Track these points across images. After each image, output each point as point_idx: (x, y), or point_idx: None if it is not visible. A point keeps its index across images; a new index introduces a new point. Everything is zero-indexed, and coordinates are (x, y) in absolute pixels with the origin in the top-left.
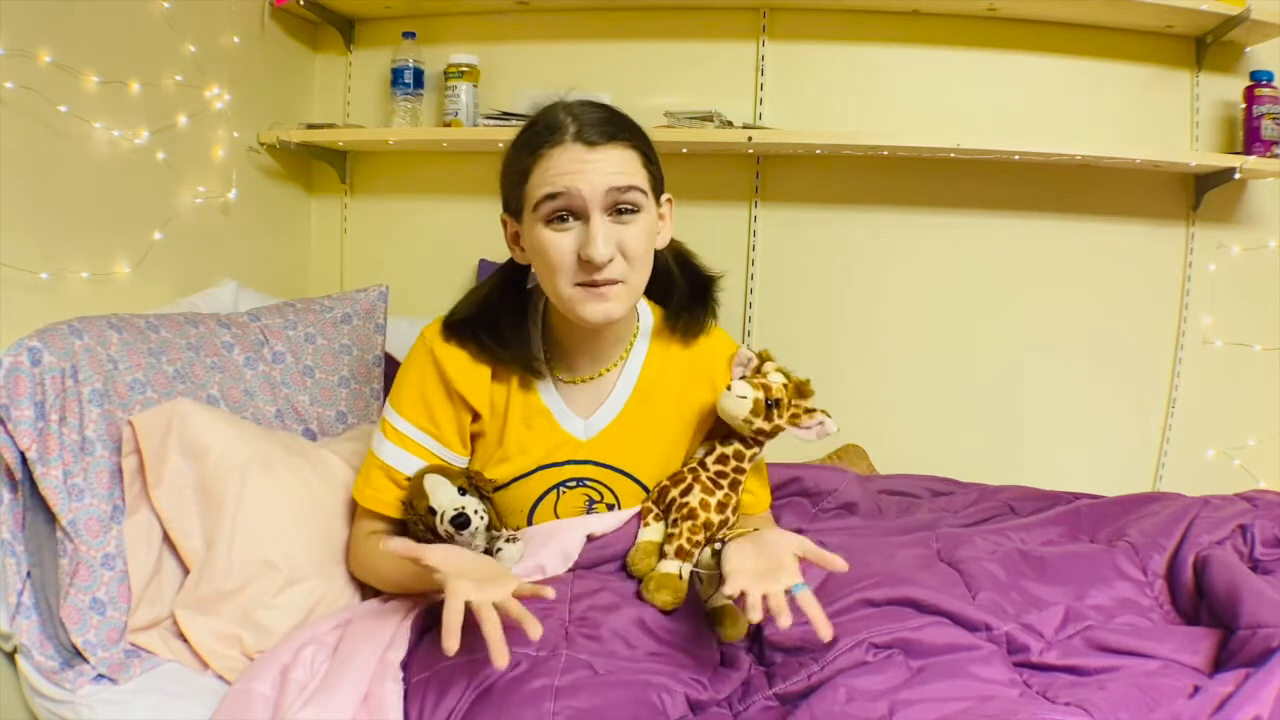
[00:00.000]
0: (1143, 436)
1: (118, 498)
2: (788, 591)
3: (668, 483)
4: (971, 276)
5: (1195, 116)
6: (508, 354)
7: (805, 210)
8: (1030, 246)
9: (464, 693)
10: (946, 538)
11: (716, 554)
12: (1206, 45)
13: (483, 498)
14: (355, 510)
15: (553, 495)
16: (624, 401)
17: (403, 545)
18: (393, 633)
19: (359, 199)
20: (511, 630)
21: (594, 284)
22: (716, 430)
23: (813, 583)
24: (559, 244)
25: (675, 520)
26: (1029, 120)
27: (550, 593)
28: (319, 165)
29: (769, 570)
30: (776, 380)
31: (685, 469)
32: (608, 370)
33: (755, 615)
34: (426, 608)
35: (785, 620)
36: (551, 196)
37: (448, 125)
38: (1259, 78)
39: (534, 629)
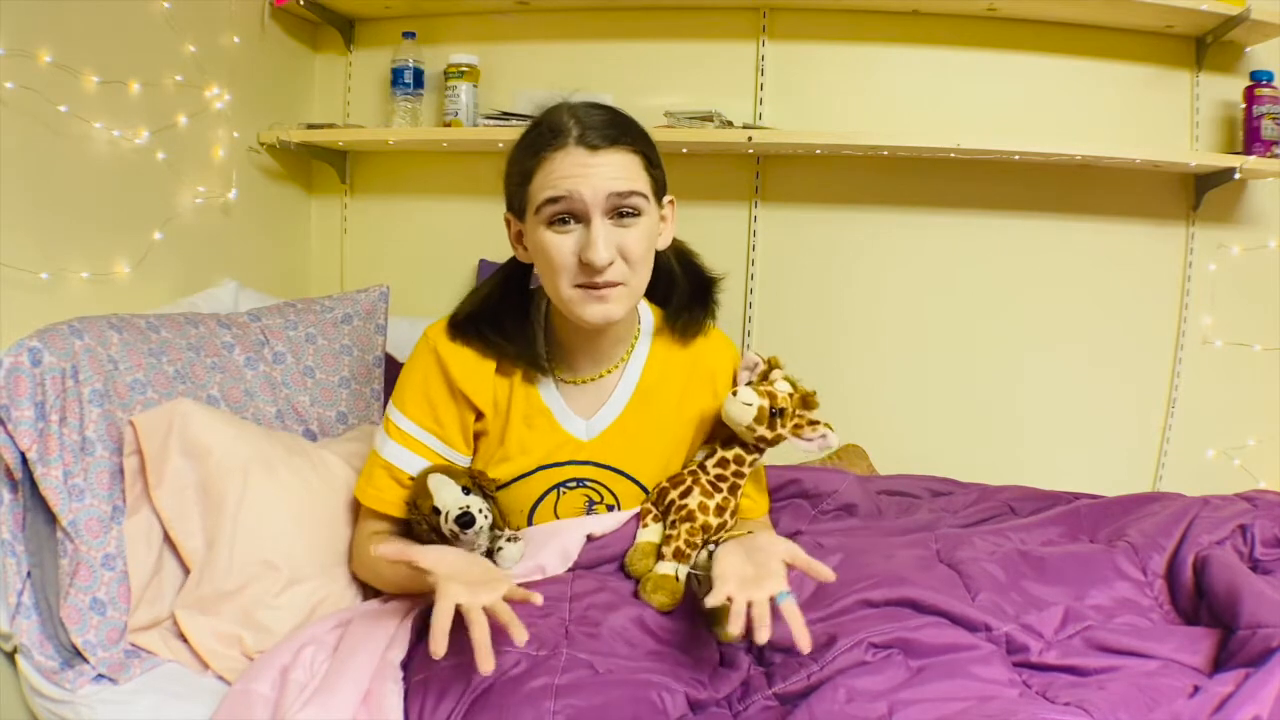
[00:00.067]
0: (1143, 436)
1: (118, 498)
2: (773, 599)
3: (667, 484)
4: (971, 276)
5: (1195, 116)
6: (513, 349)
7: (805, 210)
8: (1030, 246)
9: (464, 692)
10: (946, 538)
11: (712, 556)
12: (1206, 45)
13: (486, 497)
14: (358, 511)
15: (553, 495)
16: (625, 403)
17: (393, 549)
18: (393, 633)
19: (359, 199)
20: (500, 633)
21: (594, 286)
22: (717, 433)
23: (811, 584)
24: (560, 246)
25: (674, 522)
26: (1029, 120)
27: (538, 599)
28: (319, 165)
29: (756, 577)
30: (783, 389)
31: (685, 471)
32: (609, 371)
33: (736, 627)
34: (426, 608)
35: (764, 635)
36: (553, 200)
37: (448, 125)
38: (1259, 78)
39: (519, 634)
